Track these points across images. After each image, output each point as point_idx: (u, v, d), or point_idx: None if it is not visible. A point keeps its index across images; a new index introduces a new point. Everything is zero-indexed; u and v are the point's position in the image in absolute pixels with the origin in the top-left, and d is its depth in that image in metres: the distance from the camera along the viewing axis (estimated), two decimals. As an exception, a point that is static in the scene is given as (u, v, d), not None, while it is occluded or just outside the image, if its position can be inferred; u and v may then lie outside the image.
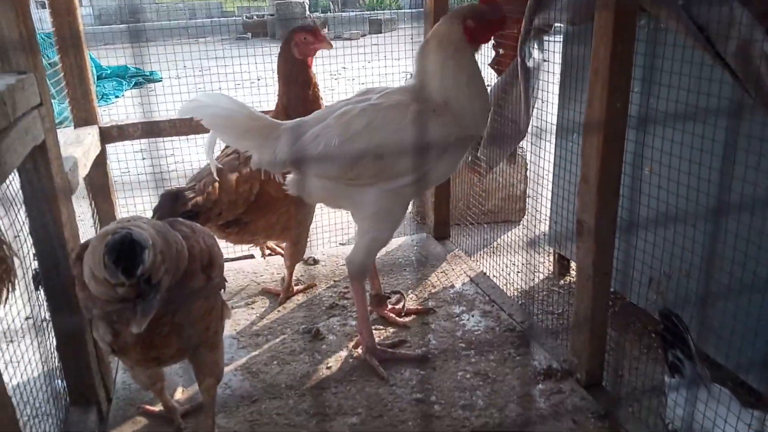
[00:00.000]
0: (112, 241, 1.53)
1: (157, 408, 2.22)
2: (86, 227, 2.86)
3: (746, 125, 2.17)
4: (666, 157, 2.48)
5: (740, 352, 2.24)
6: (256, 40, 13.79)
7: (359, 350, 2.54)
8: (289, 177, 2.44)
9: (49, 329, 2.09)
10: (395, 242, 3.59)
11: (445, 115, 2.18)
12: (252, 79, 4.99)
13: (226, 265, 3.29)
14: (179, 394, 2.33)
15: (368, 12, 19.36)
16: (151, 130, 3.06)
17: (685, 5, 2.01)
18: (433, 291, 3.04)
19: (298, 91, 2.70)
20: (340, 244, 3.91)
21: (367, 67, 4.33)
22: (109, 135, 3.03)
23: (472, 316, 2.82)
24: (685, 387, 1.88)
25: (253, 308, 2.92)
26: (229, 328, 2.71)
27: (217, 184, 2.49)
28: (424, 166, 2.19)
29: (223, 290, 1.93)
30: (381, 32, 14.68)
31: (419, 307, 2.88)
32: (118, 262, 1.50)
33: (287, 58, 2.69)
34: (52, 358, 2.13)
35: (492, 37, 2.21)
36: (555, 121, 3.14)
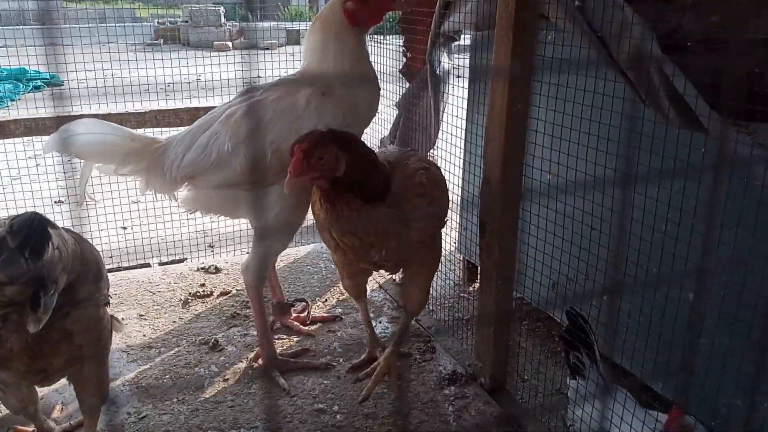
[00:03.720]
0: (20, 221, 1.42)
1: (31, 429, 2.01)
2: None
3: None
4: (572, 160, 2.50)
5: (644, 356, 2.27)
6: (167, 46, 13.34)
7: (259, 362, 2.41)
8: (182, 194, 2.30)
9: None
10: (303, 249, 3.49)
11: (335, 95, 2.12)
12: (161, 83, 4.79)
13: (119, 274, 3.11)
14: (57, 413, 2.13)
15: (287, 23, 19.26)
16: (36, 127, 2.82)
17: (581, 8, 2.05)
18: (341, 298, 2.96)
19: None
20: (246, 252, 3.75)
21: (283, 76, 4.24)
22: (-13, 132, 2.77)
23: (380, 322, 2.75)
24: (586, 388, 1.88)
25: (146, 319, 2.73)
26: (119, 341, 2.51)
27: None
28: None
29: (108, 306, 1.78)
30: (299, 43, 14.57)
31: (325, 315, 2.78)
32: (23, 244, 1.39)
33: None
34: None
35: (380, 19, 2.17)
36: (464, 127, 3.15)
